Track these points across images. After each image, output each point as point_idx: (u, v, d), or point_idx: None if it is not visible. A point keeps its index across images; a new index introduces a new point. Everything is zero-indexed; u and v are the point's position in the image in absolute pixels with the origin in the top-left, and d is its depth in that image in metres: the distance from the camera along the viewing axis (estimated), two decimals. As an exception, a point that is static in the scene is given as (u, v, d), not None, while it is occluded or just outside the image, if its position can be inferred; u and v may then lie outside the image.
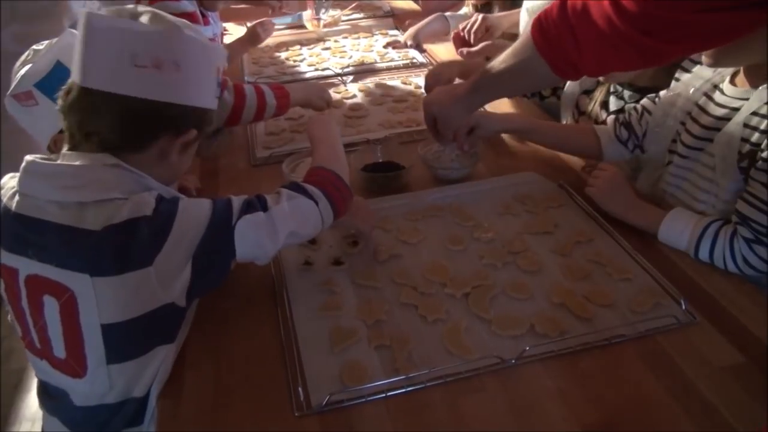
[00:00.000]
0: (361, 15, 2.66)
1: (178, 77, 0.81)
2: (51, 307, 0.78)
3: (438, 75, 1.56)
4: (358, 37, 2.38)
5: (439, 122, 1.17)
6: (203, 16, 1.53)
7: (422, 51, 2.11)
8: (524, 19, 1.76)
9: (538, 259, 1.09)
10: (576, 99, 1.42)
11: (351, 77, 1.98)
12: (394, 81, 1.94)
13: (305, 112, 1.71)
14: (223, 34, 1.71)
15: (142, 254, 0.76)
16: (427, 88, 1.55)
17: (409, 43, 2.16)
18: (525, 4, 1.75)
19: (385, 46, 2.20)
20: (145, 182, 0.84)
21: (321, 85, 1.63)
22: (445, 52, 2.20)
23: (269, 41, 2.37)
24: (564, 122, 1.48)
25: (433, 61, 2.10)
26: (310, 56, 2.20)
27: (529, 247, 1.12)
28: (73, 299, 0.76)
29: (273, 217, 0.85)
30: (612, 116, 1.27)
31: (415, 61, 2.08)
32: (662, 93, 1.20)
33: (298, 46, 2.32)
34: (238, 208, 0.84)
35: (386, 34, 2.41)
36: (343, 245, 1.15)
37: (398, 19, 2.56)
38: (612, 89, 1.38)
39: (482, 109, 1.39)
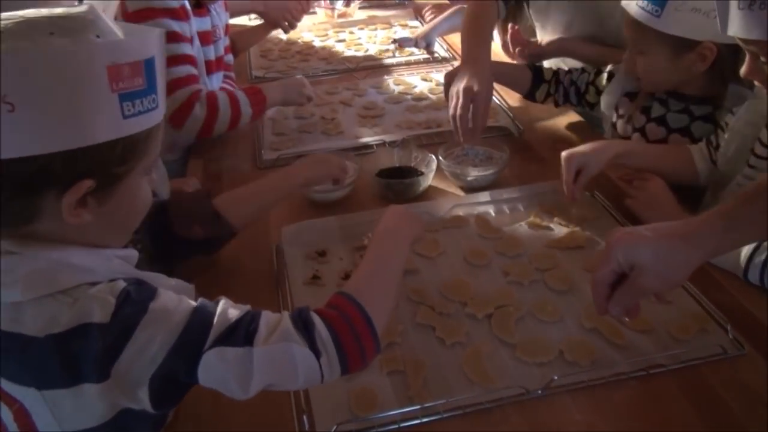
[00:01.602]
0: (379, 4, 2.67)
1: (14, 118, 0.60)
2: (5, 413, 0.71)
3: (486, 79, 1.52)
4: (375, 29, 2.38)
5: (646, 273, 0.80)
6: (200, 6, 1.53)
7: (432, 53, 2.09)
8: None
9: (569, 278, 1.07)
10: (617, 101, 1.40)
11: (366, 72, 1.97)
12: (413, 77, 1.93)
13: (316, 111, 1.71)
14: (228, 27, 1.72)
15: (96, 367, 0.66)
16: (447, 89, 1.53)
17: (420, 43, 2.14)
18: None
19: (394, 42, 2.17)
20: (88, 262, 0.68)
21: (299, 79, 1.63)
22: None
23: (278, 33, 2.38)
24: (605, 127, 1.46)
25: (455, 54, 2.09)
26: (323, 49, 2.20)
27: (559, 264, 1.11)
28: (25, 410, 0.69)
29: (251, 360, 0.68)
30: (702, 142, 1.23)
31: (437, 55, 2.08)
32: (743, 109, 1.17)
33: (311, 37, 2.33)
34: (217, 334, 0.69)
35: (406, 25, 2.41)
36: (354, 257, 1.15)
37: (419, 9, 2.56)
38: (656, 94, 1.36)
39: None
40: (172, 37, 1.39)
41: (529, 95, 1.57)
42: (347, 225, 1.22)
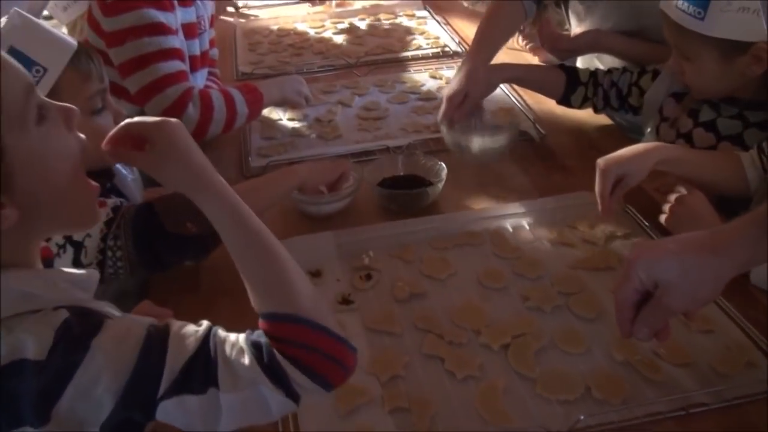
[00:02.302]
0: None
1: None
2: None
3: (473, 83, 1.53)
4: (378, 20, 2.40)
5: (673, 291, 0.81)
6: None
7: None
8: None
9: (597, 303, 1.07)
10: (662, 102, 1.40)
11: (368, 69, 1.98)
12: (421, 74, 1.94)
13: (309, 112, 1.72)
14: (213, 18, 1.73)
15: (34, 410, 0.64)
16: (455, 97, 1.52)
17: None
18: None
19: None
20: (29, 287, 0.66)
21: (296, 77, 1.67)
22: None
23: (268, 23, 2.40)
24: (647, 130, 1.46)
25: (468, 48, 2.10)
26: (319, 42, 2.22)
27: (586, 288, 1.10)
28: None
29: (217, 405, 0.68)
30: (753, 149, 1.23)
31: (447, 49, 2.09)
32: None
33: (305, 29, 2.34)
34: (171, 380, 0.67)
35: (413, 15, 2.42)
36: (353, 279, 1.15)
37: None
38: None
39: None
40: (159, 29, 1.40)
41: (563, 100, 1.57)
42: (345, 242, 1.22)
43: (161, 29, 1.40)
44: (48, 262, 0.80)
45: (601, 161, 1.17)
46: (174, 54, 1.42)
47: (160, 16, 1.40)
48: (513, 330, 1.03)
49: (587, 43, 1.68)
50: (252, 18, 2.49)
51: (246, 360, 0.69)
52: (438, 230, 1.25)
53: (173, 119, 0.77)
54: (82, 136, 0.73)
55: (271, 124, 1.69)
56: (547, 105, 1.67)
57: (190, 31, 1.57)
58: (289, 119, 1.71)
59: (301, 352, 0.70)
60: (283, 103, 1.63)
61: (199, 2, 1.62)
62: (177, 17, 1.47)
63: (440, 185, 1.32)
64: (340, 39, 2.23)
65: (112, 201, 1.06)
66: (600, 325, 1.04)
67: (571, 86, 1.54)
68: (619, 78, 1.50)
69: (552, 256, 1.18)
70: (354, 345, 0.75)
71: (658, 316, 0.80)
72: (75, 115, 0.72)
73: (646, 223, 1.23)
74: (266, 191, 1.19)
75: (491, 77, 1.54)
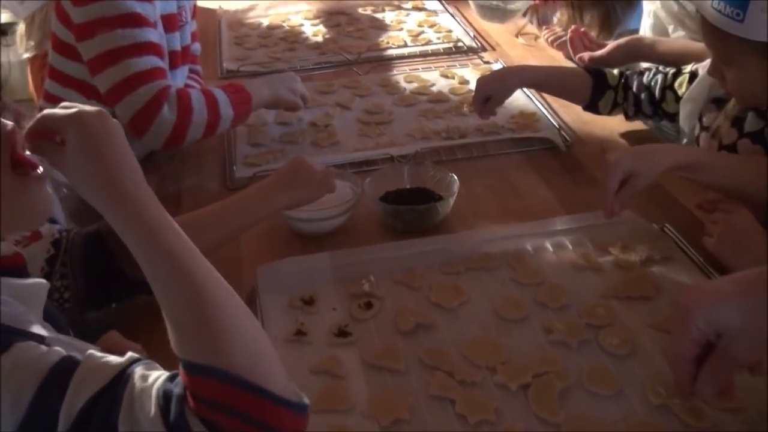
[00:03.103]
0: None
1: None
2: None
3: (499, 83, 1.56)
4: (381, 9, 2.42)
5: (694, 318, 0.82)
6: None
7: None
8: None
9: (631, 338, 1.06)
10: (701, 108, 1.40)
11: (370, 66, 2.00)
12: (431, 72, 1.96)
13: (303, 115, 1.73)
14: (195, 8, 1.74)
15: None
16: (478, 100, 1.55)
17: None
18: None
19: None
20: None
21: (290, 74, 1.67)
22: (501, 32, 2.21)
23: (258, 14, 2.42)
24: (683, 141, 1.46)
25: (485, 44, 2.11)
26: (314, 35, 2.23)
27: (618, 319, 1.10)
28: None
29: None
30: None
31: (460, 44, 2.11)
32: None
33: (299, 20, 2.36)
34: (69, 422, 0.65)
35: (422, 6, 2.44)
36: (351, 307, 1.15)
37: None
38: None
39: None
40: (134, 21, 1.40)
41: (590, 107, 1.58)
42: (342, 264, 1.22)
43: (136, 20, 1.41)
44: (20, 270, 0.80)
45: (611, 154, 1.20)
46: (150, 48, 1.43)
47: (136, 6, 1.41)
48: (534, 368, 1.02)
49: (621, 54, 1.71)
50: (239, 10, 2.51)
51: (151, 411, 0.65)
52: (449, 252, 1.25)
53: (92, 109, 0.73)
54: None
55: (259, 128, 1.69)
56: (574, 109, 1.68)
57: (170, 23, 1.58)
58: (280, 123, 1.72)
59: (221, 416, 0.65)
60: (275, 105, 1.63)
61: None
62: (156, 7, 1.48)
63: (452, 200, 1.33)
64: (338, 32, 2.25)
65: (48, 229, 1.04)
66: (634, 362, 1.03)
67: (599, 91, 1.55)
68: (651, 80, 1.50)
69: (579, 283, 1.18)
70: (305, 401, 0.71)
71: (725, 370, 0.79)
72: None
73: (688, 246, 1.22)
74: (241, 219, 1.16)
75: (506, 81, 1.56)
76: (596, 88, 1.55)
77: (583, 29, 1.88)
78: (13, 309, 0.71)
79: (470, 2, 2.09)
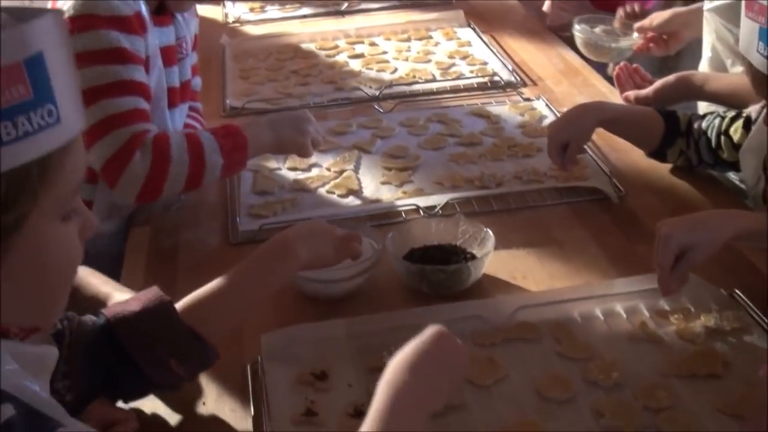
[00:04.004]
0: (404, 2, 2.77)
1: None
2: None
3: (576, 125, 1.58)
4: (407, 38, 2.46)
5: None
6: (163, 12, 1.59)
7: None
8: (710, 26, 1.85)
9: (696, 422, 1.05)
10: (763, 159, 1.40)
11: (393, 103, 2.02)
12: (462, 110, 1.98)
13: (317, 159, 1.74)
14: (197, 39, 1.78)
15: None
16: (555, 147, 1.56)
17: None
18: (706, 6, 1.84)
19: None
20: None
21: (301, 113, 1.63)
22: (544, 65, 2.23)
23: (267, 43, 2.46)
24: (751, 194, 1.46)
25: (525, 78, 2.13)
26: (330, 68, 2.27)
27: (680, 401, 1.09)
28: None
29: None
30: None
31: (497, 79, 2.13)
32: None
33: (312, 49, 2.40)
34: None
35: (454, 35, 2.47)
36: (369, 384, 1.14)
37: (473, 12, 2.63)
38: None
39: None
40: (118, 56, 1.43)
41: (657, 153, 1.59)
42: (360, 333, 1.22)
43: (121, 56, 1.43)
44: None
45: (662, 225, 1.20)
46: (132, 88, 1.44)
47: (123, 41, 1.43)
48: (582, 458, 1.01)
49: (674, 94, 1.73)
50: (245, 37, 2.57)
51: None
52: (482, 320, 1.24)
53: None
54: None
55: (266, 175, 1.72)
56: (628, 155, 1.69)
57: (169, 56, 1.61)
58: (290, 168, 1.74)
59: None
60: (281, 150, 1.63)
61: (180, 20, 1.66)
62: (149, 42, 1.51)
63: (486, 259, 1.33)
64: (357, 64, 2.29)
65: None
66: (700, 453, 1.02)
67: (670, 137, 1.56)
68: (710, 124, 1.51)
69: (635, 358, 1.17)
70: None
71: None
72: (92, 228, 0.83)
73: (761, 315, 1.22)
74: (256, 290, 1.14)
75: (583, 121, 1.58)
76: (668, 133, 1.56)
77: (635, 65, 1.90)
78: (37, 384, 0.75)
79: (576, 39, 2.16)
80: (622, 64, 1.90)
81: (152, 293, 1.09)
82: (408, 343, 0.93)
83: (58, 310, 0.83)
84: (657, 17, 2.04)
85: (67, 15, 1.43)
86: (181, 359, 1.04)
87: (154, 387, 1.08)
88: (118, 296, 1.18)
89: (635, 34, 2.08)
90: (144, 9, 1.51)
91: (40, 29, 0.72)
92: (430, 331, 0.94)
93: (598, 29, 2.15)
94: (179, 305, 1.08)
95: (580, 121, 1.59)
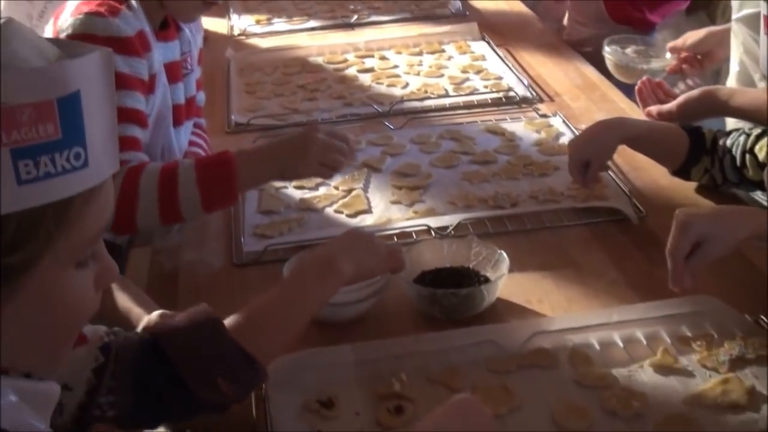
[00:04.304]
0: (415, 14, 2.80)
1: None
2: None
3: (597, 142, 1.59)
4: (419, 52, 2.48)
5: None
6: (167, 26, 1.61)
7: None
8: (738, 38, 1.87)
9: (720, 456, 1.05)
10: None
11: (404, 119, 2.04)
12: (476, 127, 1.99)
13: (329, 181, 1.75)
14: (202, 53, 1.79)
15: None
16: (576, 166, 1.58)
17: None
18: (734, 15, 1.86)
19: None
20: None
21: (307, 135, 1.50)
22: (561, 80, 2.24)
23: (273, 57, 2.48)
24: None
25: (542, 93, 2.14)
26: (339, 83, 2.29)
27: (704, 433, 1.09)
28: None
29: None
30: None
31: (512, 94, 2.14)
32: None
33: (320, 63, 2.43)
34: None
35: (467, 48, 2.49)
36: (378, 412, 1.15)
37: (487, 25, 2.65)
38: None
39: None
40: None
41: (681, 172, 1.60)
42: (368, 359, 1.22)
43: (117, 82, 1.43)
44: None
45: (680, 213, 1.21)
46: (124, 115, 1.44)
47: (120, 64, 1.43)
48: (600, 492, 1.01)
49: (698, 109, 1.74)
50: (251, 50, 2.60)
51: None
52: (496, 346, 1.25)
53: None
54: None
55: (273, 193, 1.73)
56: (649, 173, 1.69)
57: (174, 72, 1.62)
58: (297, 187, 1.75)
59: None
60: (290, 178, 1.61)
61: (184, 34, 1.68)
62: (153, 60, 1.52)
63: (500, 282, 1.33)
64: (367, 78, 2.31)
65: (93, 331, 1.03)
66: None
67: (695, 155, 1.56)
68: (734, 141, 1.51)
69: (656, 387, 1.17)
70: None
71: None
72: (112, 278, 0.82)
73: (789, 342, 1.21)
74: (304, 307, 1.14)
75: (604, 139, 1.59)
76: (692, 150, 1.56)
77: (658, 80, 1.91)
78: (37, 422, 0.75)
79: (607, 61, 2.18)
80: (644, 78, 1.91)
81: (200, 309, 1.09)
82: (432, 411, 0.94)
83: (60, 359, 0.82)
84: (691, 36, 2.05)
85: (65, 33, 1.44)
86: (230, 378, 1.04)
87: (202, 407, 1.07)
88: (137, 311, 1.20)
89: (668, 55, 2.09)
90: (148, 27, 1.52)
91: (81, 68, 0.72)
92: (456, 399, 0.95)
93: (629, 50, 2.17)
94: (226, 322, 1.09)
95: (602, 138, 1.60)
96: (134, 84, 1.48)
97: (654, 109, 1.83)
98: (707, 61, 2.05)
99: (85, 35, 1.43)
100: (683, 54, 2.06)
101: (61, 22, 1.46)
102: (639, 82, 1.92)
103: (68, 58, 0.72)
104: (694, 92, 1.77)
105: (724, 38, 1.99)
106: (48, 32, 1.50)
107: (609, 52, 2.15)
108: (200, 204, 1.44)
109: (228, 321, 1.09)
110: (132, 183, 1.41)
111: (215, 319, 1.08)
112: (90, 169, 0.73)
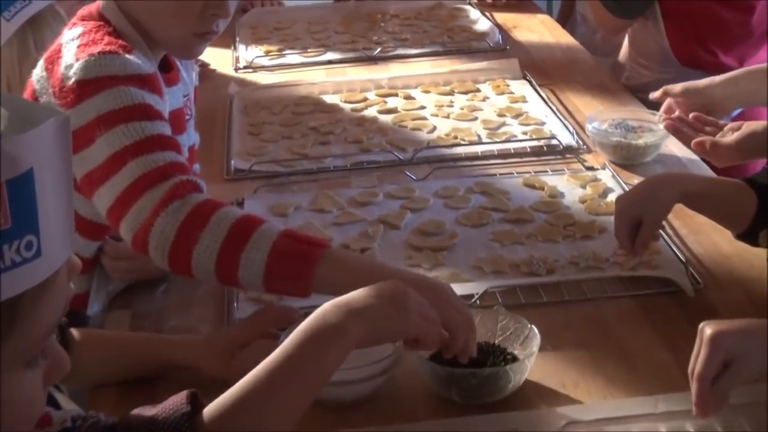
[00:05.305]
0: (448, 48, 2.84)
1: None
2: None
3: (653, 199, 1.59)
4: (450, 91, 2.51)
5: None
6: (169, 69, 1.64)
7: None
8: None
9: None
10: None
11: (429, 168, 2.06)
12: (511, 179, 2.01)
13: (334, 234, 1.77)
14: (197, 92, 1.82)
15: None
16: (625, 226, 1.58)
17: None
18: None
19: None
20: None
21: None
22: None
23: (283, 93, 2.51)
24: None
25: (590, 143, 2.14)
26: (357, 125, 2.31)
27: None
28: None
29: None
30: None
31: (554, 142, 2.16)
32: None
33: (335, 102, 2.46)
34: None
35: (505, 88, 2.51)
36: None
37: (530, 62, 2.68)
38: None
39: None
40: (142, 112, 1.44)
41: (747, 235, 1.59)
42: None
43: (147, 113, 1.45)
44: None
45: (708, 328, 1.20)
46: (163, 143, 1.45)
47: (147, 98, 1.46)
48: None
49: (762, 145, 1.73)
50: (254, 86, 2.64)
51: None
52: (523, 435, 1.25)
53: None
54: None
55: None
56: (709, 237, 1.69)
57: (178, 122, 1.65)
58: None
59: None
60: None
61: (184, 75, 1.72)
62: (165, 104, 1.55)
63: (529, 362, 1.33)
64: (388, 120, 2.33)
65: (59, 416, 1.03)
66: None
67: (763, 216, 1.55)
68: None
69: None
70: None
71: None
72: (63, 371, 0.81)
73: None
74: (293, 387, 1.10)
75: (661, 195, 1.59)
76: (761, 210, 1.55)
77: (695, 113, 1.93)
78: None
79: (595, 145, 2.13)
80: (675, 115, 1.91)
81: (177, 398, 1.06)
82: None
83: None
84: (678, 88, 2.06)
85: (75, 79, 1.46)
86: None
87: None
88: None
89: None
90: (157, 70, 1.57)
91: (34, 141, 0.70)
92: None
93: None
94: (210, 409, 1.06)
95: (658, 194, 1.59)
96: (164, 118, 1.49)
97: (707, 141, 1.82)
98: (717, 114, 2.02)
99: (101, 78, 1.45)
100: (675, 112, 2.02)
101: (64, 68, 1.48)
102: (664, 120, 1.92)
103: (19, 130, 0.69)
104: (759, 125, 1.76)
105: (736, 87, 1.99)
106: (37, 77, 1.54)
107: (589, 130, 2.11)
108: (263, 274, 1.37)
109: (217, 402, 1.07)
110: (204, 214, 1.37)
111: (186, 412, 1.04)
112: (43, 258, 0.72)
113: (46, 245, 0.71)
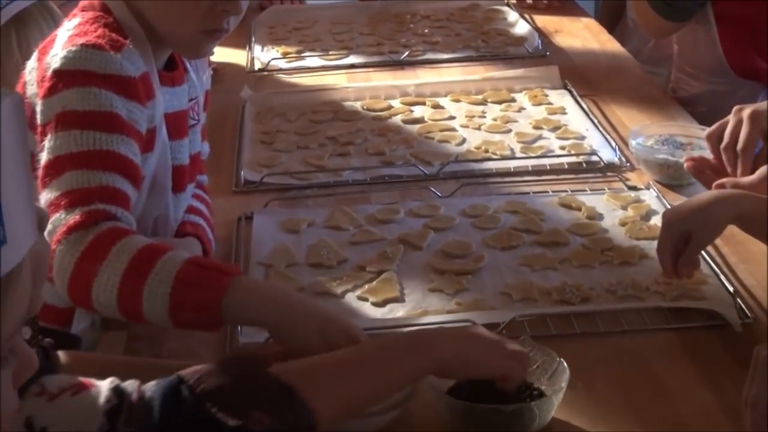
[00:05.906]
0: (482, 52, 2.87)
1: None
2: None
3: (705, 215, 1.59)
4: (483, 101, 2.52)
5: None
6: (174, 67, 1.64)
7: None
8: None
9: None
10: None
11: (456, 184, 2.06)
12: (546, 198, 2.01)
13: (349, 255, 1.78)
14: (208, 96, 1.81)
15: None
16: (669, 243, 1.59)
17: None
18: None
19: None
20: None
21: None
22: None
23: (300, 99, 2.52)
24: None
25: (633, 161, 2.14)
26: (379, 136, 2.32)
27: None
28: None
29: None
30: None
31: (595, 159, 2.16)
32: None
33: (356, 108, 2.47)
34: None
35: (543, 98, 2.52)
36: None
37: (571, 70, 2.69)
38: None
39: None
40: (105, 122, 1.45)
41: None
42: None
43: (111, 123, 1.46)
44: None
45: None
46: (113, 164, 1.46)
47: (120, 107, 1.47)
48: None
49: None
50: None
51: None
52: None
53: None
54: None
55: (281, 270, 1.75)
56: (761, 266, 1.68)
57: (178, 125, 1.65)
58: (313, 264, 1.77)
59: None
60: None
61: (193, 77, 1.72)
62: (155, 110, 1.55)
63: (557, 398, 1.33)
64: (413, 131, 2.34)
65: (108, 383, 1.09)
66: None
67: None
68: None
69: None
70: None
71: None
72: (32, 370, 0.82)
73: None
74: (383, 373, 1.25)
75: (715, 212, 1.59)
76: None
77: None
78: None
79: (639, 163, 2.13)
80: (696, 155, 1.92)
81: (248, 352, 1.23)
82: None
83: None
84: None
85: (52, 68, 1.47)
86: (268, 410, 1.09)
87: None
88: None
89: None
90: (154, 69, 1.57)
91: None
92: None
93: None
94: (280, 366, 1.18)
95: (713, 210, 1.59)
96: (131, 132, 1.50)
97: (729, 182, 1.82)
98: None
99: (77, 71, 1.46)
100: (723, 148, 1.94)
101: (50, 57, 1.50)
102: (687, 163, 1.93)
103: None
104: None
105: None
106: (30, 68, 1.56)
107: (633, 146, 2.11)
108: (167, 307, 1.37)
109: (283, 366, 1.17)
110: (104, 245, 1.38)
111: (260, 358, 1.19)
112: (9, 245, 0.72)
113: (11, 229, 0.71)
